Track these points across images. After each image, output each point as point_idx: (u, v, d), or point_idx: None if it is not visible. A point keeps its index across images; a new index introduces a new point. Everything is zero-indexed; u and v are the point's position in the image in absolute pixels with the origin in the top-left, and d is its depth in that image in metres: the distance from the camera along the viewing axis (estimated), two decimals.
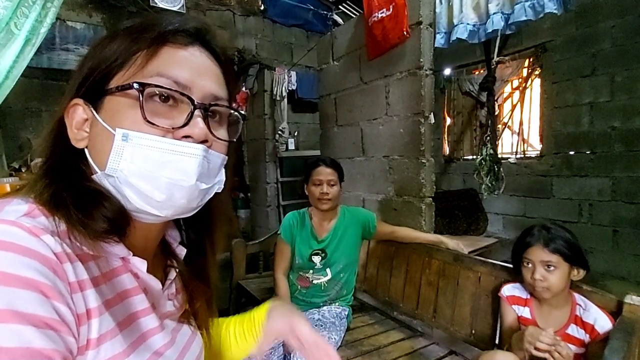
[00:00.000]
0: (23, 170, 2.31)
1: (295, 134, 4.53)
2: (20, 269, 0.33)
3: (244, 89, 4.18)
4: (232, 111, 0.49)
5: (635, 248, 3.19)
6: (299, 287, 1.71)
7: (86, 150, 0.44)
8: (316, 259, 1.67)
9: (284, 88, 4.11)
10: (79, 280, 0.38)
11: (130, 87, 0.41)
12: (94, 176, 0.44)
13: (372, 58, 2.15)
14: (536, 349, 0.96)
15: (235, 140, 0.50)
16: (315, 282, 1.68)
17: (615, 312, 1.08)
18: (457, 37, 1.95)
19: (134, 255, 0.46)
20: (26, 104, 2.98)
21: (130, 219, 0.45)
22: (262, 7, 4.14)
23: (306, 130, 4.75)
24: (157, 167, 0.41)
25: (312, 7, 4.28)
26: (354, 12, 4.38)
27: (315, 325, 1.52)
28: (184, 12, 3.20)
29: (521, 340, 1.00)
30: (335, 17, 4.42)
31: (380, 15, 2.00)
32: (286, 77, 4.13)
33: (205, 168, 0.44)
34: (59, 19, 2.79)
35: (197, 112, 0.43)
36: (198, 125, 0.43)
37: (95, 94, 0.43)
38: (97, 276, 0.41)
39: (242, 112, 4.39)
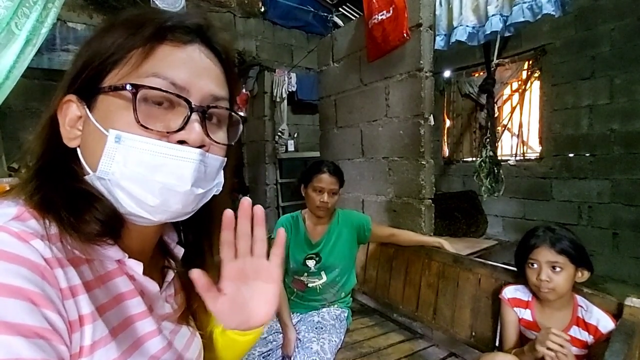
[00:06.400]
0: (22, 171, 2.31)
1: (295, 135, 4.53)
2: (7, 277, 0.31)
3: (244, 90, 4.18)
4: (232, 113, 0.47)
5: (635, 250, 3.19)
6: (295, 290, 1.70)
7: (78, 150, 0.42)
8: (310, 263, 1.66)
9: (284, 89, 4.12)
10: (71, 285, 0.36)
11: (123, 88, 0.39)
12: (86, 177, 0.42)
13: (372, 60, 2.15)
14: (548, 348, 0.96)
15: (234, 143, 0.48)
16: (310, 285, 1.67)
17: (616, 315, 1.07)
18: (456, 39, 1.96)
19: (129, 257, 0.44)
20: (26, 104, 2.98)
21: (124, 220, 0.43)
22: (262, 9, 4.15)
23: (306, 131, 4.75)
24: (150, 171, 0.39)
25: (312, 9, 4.30)
26: (354, 14, 4.39)
27: (315, 328, 1.51)
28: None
29: (533, 344, 1.01)
30: (336, 19, 4.43)
31: (380, 18, 2.00)
32: (286, 78, 4.13)
33: (201, 172, 0.42)
34: (59, 19, 2.79)
35: (194, 115, 0.41)
36: (194, 130, 0.41)
37: (88, 91, 0.41)
38: (91, 280, 0.39)
39: (242, 113, 4.42)
